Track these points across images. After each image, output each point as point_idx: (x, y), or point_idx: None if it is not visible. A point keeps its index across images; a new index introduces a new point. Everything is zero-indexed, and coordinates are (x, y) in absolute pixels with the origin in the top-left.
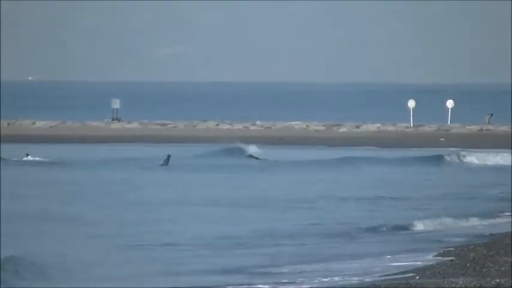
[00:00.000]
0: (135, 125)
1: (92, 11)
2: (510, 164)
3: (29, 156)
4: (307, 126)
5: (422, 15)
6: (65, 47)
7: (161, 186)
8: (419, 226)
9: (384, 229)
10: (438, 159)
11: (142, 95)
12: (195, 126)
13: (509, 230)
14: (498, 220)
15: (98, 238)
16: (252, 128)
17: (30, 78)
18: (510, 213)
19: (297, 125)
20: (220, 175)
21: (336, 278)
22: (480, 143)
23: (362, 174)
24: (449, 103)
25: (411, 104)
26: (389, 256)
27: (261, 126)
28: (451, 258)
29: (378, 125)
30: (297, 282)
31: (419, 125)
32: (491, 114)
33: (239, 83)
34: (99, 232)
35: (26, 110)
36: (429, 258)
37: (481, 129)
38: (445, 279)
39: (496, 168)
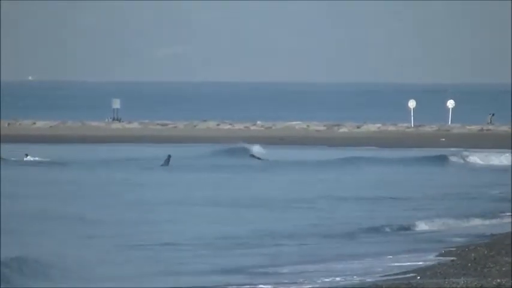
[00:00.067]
0: (135, 125)
1: (92, 11)
2: (511, 164)
3: (28, 157)
4: (308, 126)
5: (422, 15)
6: (65, 47)
7: (162, 186)
8: (420, 226)
9: (386, 229)
10: (441, 159)
11: (143, 95)
12: (195, 126)
13: (510, 230)
14: (499, 220)
15: (97, 238)
16: (252, 128)
17: (30, 78)
18: (511, 214)
19: (298, 125)
20: (221, 175)
21: (337, 278)
22: (481, 143)
23: (363, 175)
24: (450, 103)
25: (412, 104)
26: (390, 256)
27: (262, 126)
28: (452, 258)
29: (379, 125)
30: (298, 282)
31: (420, 125)
32: (493, 114)
33: (239, 83)
34: (99, 232)
35: (26, 110)
36: (430, 258)
37: (482, 129)
38: (446, 280)
39: (498, 169)
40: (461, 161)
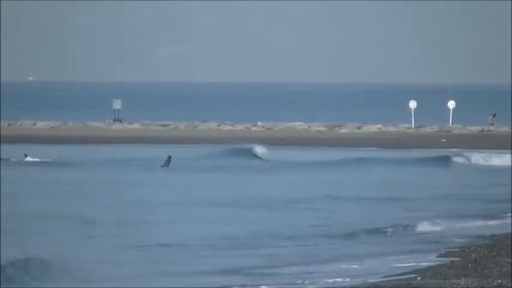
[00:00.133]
0: (136, 125)
1: (92, 11)
2: (510, 164)
3: (28, 157)
4: (309, 127)
5: (422, 15)
6: (66, 48)
7: (162, 187)
8: (421, 227)
9: (386, 230)
10: (442, 160)
11: (143, 95)
12: (196, 127)
13: (511, 231)
14: (500, 221)
15: (97, 238)
16: (253, 128)
17: (30, 78)
18: (511, 214)
19: (299, 125)
20: (222, 176)
21: (338, 279)
22: (481, 143)
23: (364, 175)
24: (451, 104)
25: (412, 104)
26: (391, 257)
27: (263, 127)
28: (452, 259)
29: (379, 125)
30: (299, 283)
31: (420, 126)
32: (494, 115)
33: (239, 83)
34: (99, 232)
35: (26, 110)
36: (431, 259)
37: (482, 130)
38: (447, 280)
39: (500, 169)
40: (463, 161)
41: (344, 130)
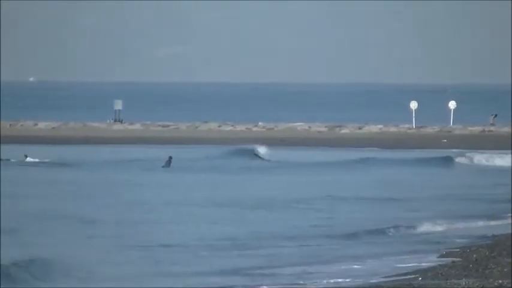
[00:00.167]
0: (137, 126)
1: (92, 11)
2: (511, 165)
3: (28, 158)
4: (310, 127)
5: (422, 15)
6: (66, 48)
7: (163, 187)
8: (422, 227)
9: (388, 230)
10: (443, 160)
11: (143, 95)
12: (197, 127)
13: (511, 231)
14: (501, 221)
15: (97, 238)
16: (254, 129)
17: (31, 79)
18: (511, 215)
19: (300, 126)
20: (223, 176)
21: (339, 280)
22: (482, 144)
23: (365, 176)
24: (452, 104)
25: (413, 105)
26: (392, 257)
27: (263, 127)
28: (453, 259)
29: (380, 126)
30: (300, 283)
31: (421, 126)
32: (496, 115)
33: (239, 83)
34: (99, 232)
35: (26, 110)
36: (432, 259)
37: (483, 131)
38: (448, 281)
39: (501, 170)
40: (465, 162)
41: (345, 130)
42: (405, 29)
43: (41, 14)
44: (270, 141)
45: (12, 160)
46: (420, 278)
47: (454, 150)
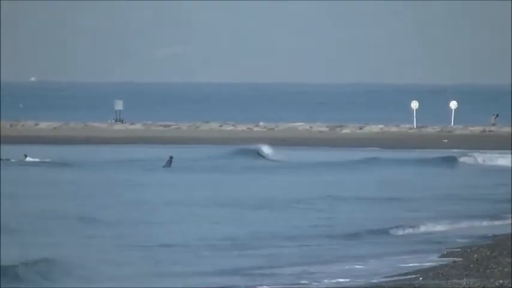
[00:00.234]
0: (138, 126)
1: (93, 11)
2: (511, 165)
3: (28, 157)
4: (311, 127)
5: (422, 15)
6: (66, 48)
7: (164, 187)
8: (423, 227)
9: (388, 230)
10: (449, 160)
11: (144, 95)
12: (198, 127)
13: (511, 231)
14: (502, 221)
15: (98, 238)
16: (255, 129)
17: (32, 79)
18: (511, 215)
19: (300, 126)
20: (225, 176)
21: (340, 279)
22: (483, 144)
23: (367, 175)
24: (453, 104)
25: (414, 105)
26: (393, 257)
27: (264, 127)
28: (454, 259)
29: (381, 126)
30: (301, 283)
31: (422, 126)
32: (497, 115)
33: (239, 83)
34: (100, 232)
35: (27, 110)
36: (432, 259)
37: (484, 131)
38: (449, 281)
39: (503, 170)
40: (467, 162)
41: (346, 130)
42: (405, 29)
43: (41, 14)
44: (271, 141)
45: (12, 160)
46: (421, 278)
47: (454, 150)
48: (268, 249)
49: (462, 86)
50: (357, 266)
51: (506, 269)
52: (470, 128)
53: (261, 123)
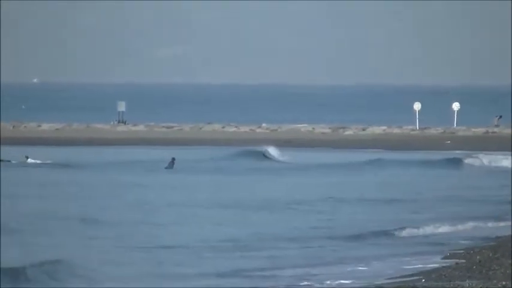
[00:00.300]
0: (141, 127)
1: (93, 11)
2: (511, 167)
3: (29, 159)
4: (313, 128)
5: (423, 15)
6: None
7: (166, 189)
8: (425, 229)
9: (391, 232)
10: (455, 162)
11: (146, 96)
12: (200, 128)
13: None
14: (505, 223)
15: (100, 239)
16: (258, 130)
17: (35, 80)
18: (511, 216)
19: (303, 127)
20: (228, 177)
21: (343, 281)
22: (486, 145)
23: (370, 177)
24: (455, 105)
25: (417, 106)
26: (396, 259)
27: (267, 128)
28: (457, 260)
29: (384, 127)
30: (303, 285)
31: (425, 128)
32: (500, 116)
33: (239, 84)
34: (102, 233)
35: (29, 111)
36: (435, 261)
37: (487, 132)
38: (451, 282)
39: (506, 171)
40: (471, 163)
41: (348, 132)
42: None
43: (41, 14)
44: (275, 143)
45: (13, 161)
46: (424, 280)
47: (457, 151)
48: (271, 251)
49: (462, 88)
50: (360, 268)
51: (508, 271)
52: (473, 130)
53: (263, 125)
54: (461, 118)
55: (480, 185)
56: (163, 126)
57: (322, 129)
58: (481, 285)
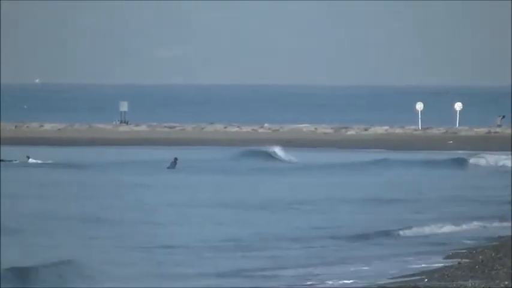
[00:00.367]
0: (143, 127)
1: (93, 12)
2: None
3: (30, 159)
4: (316, 129)
5: (423, 15)
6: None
7: (168, 189)
8: (428, 229)
9: (394, 232)
10: (459, 162)
11: (146, 97)
12: (202, 128)
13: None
14: (508, 223)
15: (101, 239)
16: (260, 130)
17: (37, 80)
18: (511, 217)
19: (305, 127)
20: (230, 177)
21: (345, 281)
22: (488, 145)
23: (379, 177)
24: (458, 106)
25: (419, 106)
26: (398, 259)
27: (269, 128)
28: (459, 260)
29: (386, 127)
30: (305, 285)
31: (427, 128)
32: (503, 116)
33: (240, 85)
34: (104, 233)
35: (31, 112)
36: (438, 261)
37: (489, 132)
38: (454, 282)
39: (509, 171)
40: (475, 163)
41: (351, 132)
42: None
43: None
44: (277, 143)
45: (14, 161)
46: (426, 279)
47: (460, 151)
48: (273, 251)
49: (462, 88)
50: (362, 268)
51: (511, 270)
52: (476, 130)
53: (265, 125)
54: (462, 118)
55: (484, 185)
56: (165, 126)
57: (324, 129)
58: (483, 285)
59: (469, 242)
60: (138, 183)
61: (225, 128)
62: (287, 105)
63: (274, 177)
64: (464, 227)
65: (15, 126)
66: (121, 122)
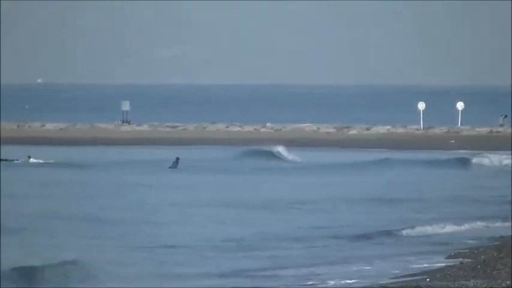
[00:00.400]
0: (145, 127)
1: (93, 12)
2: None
3: (31, 159)
4: (318, 128)
5: (423, 15)
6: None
7: (170, 188)
8: (430, 228)
9: (395, 231)
10: (462, 161)
11: (147, 97)
12: (204, 128)
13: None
14: (509, 223)
15: (103, 239)
16: (262, 130)
17: (39, 80)
18: (511, 217)
19: (307, 127)
20: (232, 177)
21: (347, 281)
22: (490, 145)
23: (381, 177)
24: (460, 105)
25: (421, 106)
26: (400, 258)
27: (271, 128)
28: (461, 260)
29: (388, 127)
30: (307, 284)
31: (429, 127)
32: (506, 116)
33: (240, 85)
34: (105, 233)
35: (32, 112)
36: (440, 261)
37: (491, 132)
38: (456, 282)
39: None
40: (479, 163)
41: (353, 131)
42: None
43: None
44: (279, 142)
45: (16, 161)
46: (428, 279)
47: (462, 151)
48: (274, 251)
49: (462, 88)
50: (364, 267)
51: None
52: (477, 129)
53: (268, 124)
54: (463, 117)
55: (487, 184)
56: (167, 126)
57: (326, 128)
58: (485, 285)
59: (471, 241)
60: (140, 183)
61: (227, 127)
62: (288, 105)
63: (276, 177)
64: (467, 226)
65: (17, 126)
66: (123, 121)
